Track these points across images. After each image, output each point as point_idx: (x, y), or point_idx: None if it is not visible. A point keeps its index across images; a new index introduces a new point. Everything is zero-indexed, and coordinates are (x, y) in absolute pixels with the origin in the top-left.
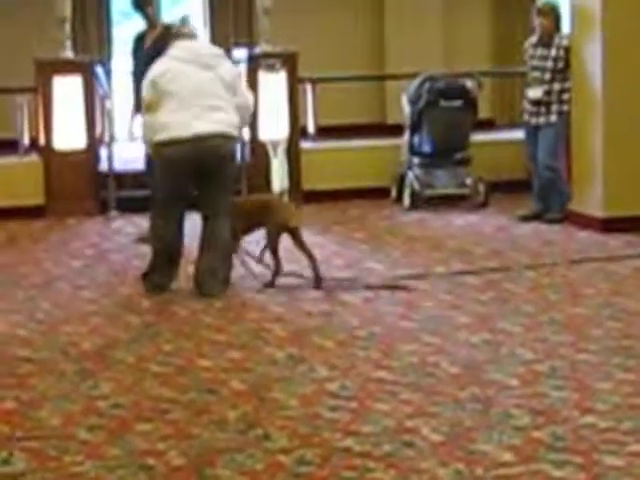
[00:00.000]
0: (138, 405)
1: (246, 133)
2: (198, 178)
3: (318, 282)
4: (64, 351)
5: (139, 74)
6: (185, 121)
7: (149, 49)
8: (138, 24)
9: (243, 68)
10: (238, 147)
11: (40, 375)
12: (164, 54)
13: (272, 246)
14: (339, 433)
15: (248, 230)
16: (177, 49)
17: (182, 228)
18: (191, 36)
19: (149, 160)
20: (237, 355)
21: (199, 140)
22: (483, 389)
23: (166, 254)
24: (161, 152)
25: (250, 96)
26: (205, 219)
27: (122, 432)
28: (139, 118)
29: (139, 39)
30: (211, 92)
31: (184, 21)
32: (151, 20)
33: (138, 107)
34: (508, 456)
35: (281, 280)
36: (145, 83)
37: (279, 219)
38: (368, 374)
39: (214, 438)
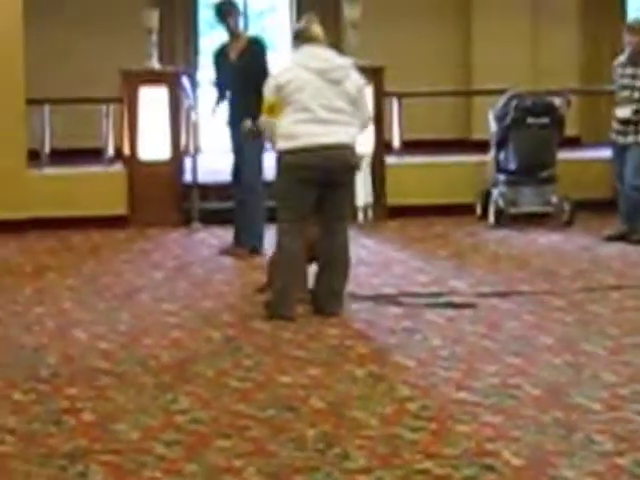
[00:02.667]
0: (217, 421)
1: None
2: (322, 190)
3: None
4: (144, 364)
5: (221, 86)
6: (313, 132)
7: (236, 61)
8: (224, 35)
9: None
10: None
11: (119, 388)
12: (292, 59)
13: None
14: (419, 454)
15: None
16: (304, 56)
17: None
18: (317, 40)
19: (236, 171)
20: (317, 372)
21: (327, 149)
22: (566, 413)
23: (294, 273)
24: (287, 160)
25: (370, 111)
26: (325, 233)
27: (200, 448)
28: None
29: (220, 51)
30: (337, 108)
31: (309, 21)
32: (233, 31)
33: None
34: None
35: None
36: (270, 85)
37: None
38: (449, 395)
39: (292, 456)
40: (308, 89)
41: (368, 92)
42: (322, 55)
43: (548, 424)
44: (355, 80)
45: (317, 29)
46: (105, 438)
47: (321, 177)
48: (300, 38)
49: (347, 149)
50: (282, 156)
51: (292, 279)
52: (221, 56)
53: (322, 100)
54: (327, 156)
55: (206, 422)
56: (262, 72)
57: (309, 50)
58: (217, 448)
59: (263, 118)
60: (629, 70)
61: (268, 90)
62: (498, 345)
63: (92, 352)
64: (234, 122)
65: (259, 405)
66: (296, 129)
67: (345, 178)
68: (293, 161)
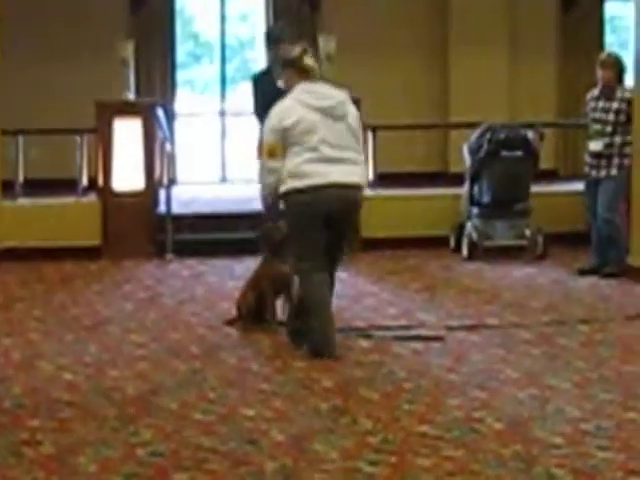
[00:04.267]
0: (177, 454)
1: None
2: (327, 228)
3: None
4: (108, 396)
5: (264, 113)
6: (323, 171)
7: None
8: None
9: None
10: None
11: (81, 420)
12: (290, 97)
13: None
14: None
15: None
16: (303, 94)
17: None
18: (311, 73)
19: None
20: (281, 405)
21: (336, 188)
22: (527, 447)
23: (323, 312)
24: (297, 199)
25: None
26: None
27: None
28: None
29: (262, 75)
30: (345, 145)
31: (303, 51)
32: (279, 60)
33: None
34: None
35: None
36: (272, 128)
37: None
38: (412, 428)
39: None
40: (317, 131)
41: None
42: (321, 92)
43: (508, 458)
44: (353, 112)
45: (310, 61)
46: (63, 471)
47: (332, 215)
48: (292, 68)
49: (358, 189)
50: (291, 195)
51: (327, 319)
52: (264, 81)
53: (331, 139)
54: (337, 195)
55: (166, 455)
56: None
57: (306, 87)
58: None
59: (265, 163)
60: (601, 104)
61: (270, 134)
62: (463, 378)
63: (57, 384)
64: None
65: (220, 438)
66: (306, 168)
67: (352, 218)
68: (303, 199)
